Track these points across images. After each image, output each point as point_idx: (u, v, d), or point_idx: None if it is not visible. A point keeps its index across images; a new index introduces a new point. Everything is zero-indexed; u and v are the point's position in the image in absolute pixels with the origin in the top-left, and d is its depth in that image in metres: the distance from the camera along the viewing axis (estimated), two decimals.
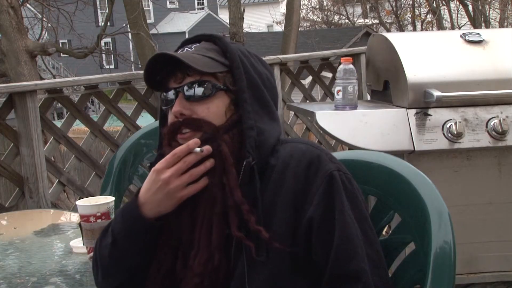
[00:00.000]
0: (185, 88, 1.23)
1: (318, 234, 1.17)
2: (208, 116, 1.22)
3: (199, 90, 1.22)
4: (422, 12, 20.19)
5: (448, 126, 2.83)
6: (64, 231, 2.05)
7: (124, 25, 12.20)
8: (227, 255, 1.20)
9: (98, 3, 25.44)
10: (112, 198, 1.68)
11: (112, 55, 21.79)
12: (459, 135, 2.82)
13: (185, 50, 1.27)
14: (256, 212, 1.18)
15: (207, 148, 1.20)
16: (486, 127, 2.86)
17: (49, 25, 12.39)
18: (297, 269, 1.19)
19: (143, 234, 1.23)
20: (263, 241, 1.17)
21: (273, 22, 24.39)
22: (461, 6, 17.96)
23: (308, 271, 1.19)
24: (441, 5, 18.01)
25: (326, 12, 24.46)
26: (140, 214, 1.22)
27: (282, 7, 19.83)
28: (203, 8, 32.43)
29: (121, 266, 1.27)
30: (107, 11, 12.46)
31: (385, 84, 3.16)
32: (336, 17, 23.98)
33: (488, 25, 17.52)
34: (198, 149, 1.19)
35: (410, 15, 20.17)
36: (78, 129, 7.35)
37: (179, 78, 1.24)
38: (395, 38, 3.10)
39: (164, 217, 1.23)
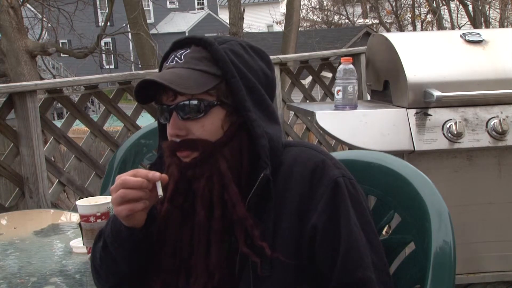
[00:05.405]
0: (178, 108, 1.19)
1: (322, 241, 1.16)
2: (203, 135, 1.19)
3: (192, 110, 1.18)
4: (422, 12, 20.21)
5: (448, 126, 2.83)
6: (64, 231, 2.05)
7: (124, 25, 12.21)
8: (231, 269, 1.18)
9: (98, 3, 25.43)
10: None
11: (112, 55, 21.79)
12: (459, 135, 2.82)
13: (174, 61, 1.21)
14: (266, 225, 1.17)
15: (160, 175, 1.17)
16: (486, 127, 2.86)
17: (49, 25, 12.39)
18: (302, 279, 1.18)
19: (126, 240, 1.21)
20: (267, 256, 1.15)
21: (273, 22, 24.39)
22: (461, 6, 17.98)
23: (313, 280, 1.18)
24: (441, 5, 18.03)
25: (326, 12, 24.46)
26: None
27: (282, 7, 19.82)
28: (203, 8, 32.42)
29: (110, 270, 1.28)
30: (107, 11, 12.46)
31: (385, 84, 3.16)
32: (336, 17, 23.98)
33: (488, 25, 17.54)
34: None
35: (410, 15, 20.18)
36: (78, 129, 7.36)
37: (171, 96, 1.20)
38: (395, 38, 3.10)
39: (149, 227, 1.21)
